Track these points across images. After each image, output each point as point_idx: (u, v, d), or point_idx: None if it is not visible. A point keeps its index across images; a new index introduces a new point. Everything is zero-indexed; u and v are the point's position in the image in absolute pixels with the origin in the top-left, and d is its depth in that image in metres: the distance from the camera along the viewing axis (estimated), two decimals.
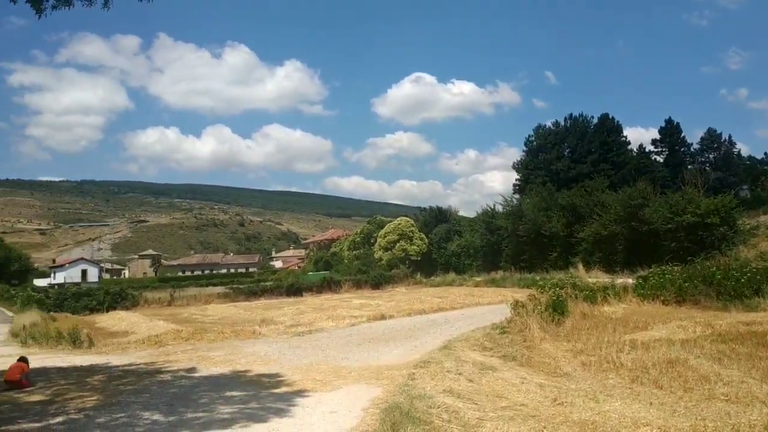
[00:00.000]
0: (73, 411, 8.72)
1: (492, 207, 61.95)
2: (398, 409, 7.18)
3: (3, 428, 7.86)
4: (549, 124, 73.26)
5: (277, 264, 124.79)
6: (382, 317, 22.35)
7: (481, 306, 25.95)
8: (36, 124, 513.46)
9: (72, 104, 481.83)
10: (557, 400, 8.13)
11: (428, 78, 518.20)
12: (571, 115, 71.35)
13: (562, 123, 71.48)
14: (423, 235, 64.64)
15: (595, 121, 69.70)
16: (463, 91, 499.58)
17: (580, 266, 37.81)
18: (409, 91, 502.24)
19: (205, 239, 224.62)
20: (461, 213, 74.75)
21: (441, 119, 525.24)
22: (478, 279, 47.10)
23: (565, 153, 68.79)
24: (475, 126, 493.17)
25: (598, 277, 29.48)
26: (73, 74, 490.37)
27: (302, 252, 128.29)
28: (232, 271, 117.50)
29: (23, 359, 11.61)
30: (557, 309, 15.17)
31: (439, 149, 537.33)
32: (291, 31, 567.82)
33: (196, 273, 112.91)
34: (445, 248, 62.85)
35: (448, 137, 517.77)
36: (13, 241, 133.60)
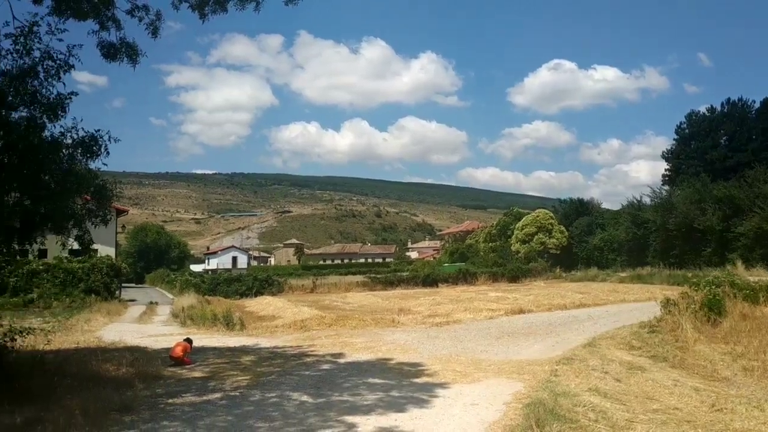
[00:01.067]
0: (229, 388, 9.39)
1: (639, 199, 59.11)
2: (542, 406, 7.03)
3: (170, 399, 8.63)
4: (703, 109, 68.13)
5: (413, 255, 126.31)
6: (521, 311, 21.93)
7: (626, 303, 24.72)
8: (191, 121, 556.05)
9: (222, 102, 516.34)
10: (715, 406, 7.62)
11: (568, 65, 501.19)
12: (728, 99, 65.84)
13: (718, 108, 66.16)
14: (563, 228, 62.61)
15: (757, 105, 63.85)
16: (605, 77, 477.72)
17: (739, 263, 34.93)
18: (547, 78, 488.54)
19: (344, 229, 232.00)
20: (604, 205, 71.72)
21: (582, 107, 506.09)
22: (623, 275, 44.89)
23: (722, 141, 63.66)
24: (619, 114, 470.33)
25: (759, 276, 27.08)
26: (223, 73, 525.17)
27: (437, 243, 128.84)
28: (370, 260, 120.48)
29: (188, 340, 12.65)
30: (713, 308, 14.13)
31: (579, 139, 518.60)
32: (425, 23, 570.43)
33: (335, 262, 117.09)
34: (586, 242, 60.56)
35: (590, 126, 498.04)
36: (172, 229, 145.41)
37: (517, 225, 66.46)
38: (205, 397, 8.77)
